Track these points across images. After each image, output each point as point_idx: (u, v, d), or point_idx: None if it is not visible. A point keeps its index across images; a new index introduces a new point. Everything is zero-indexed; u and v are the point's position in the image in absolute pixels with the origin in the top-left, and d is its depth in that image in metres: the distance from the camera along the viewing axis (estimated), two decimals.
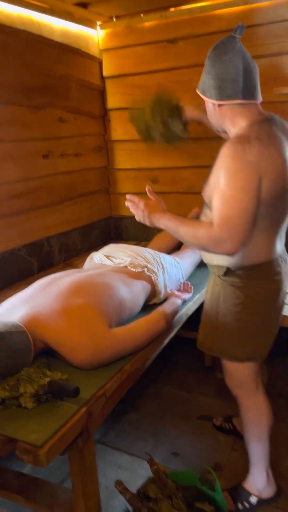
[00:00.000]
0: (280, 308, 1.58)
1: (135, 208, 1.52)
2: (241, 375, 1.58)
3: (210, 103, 1.45)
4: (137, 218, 1.54)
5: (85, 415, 1.22)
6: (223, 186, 1.29)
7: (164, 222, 1.47)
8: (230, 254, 1.32)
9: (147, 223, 1.52)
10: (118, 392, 1.41)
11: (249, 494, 1.66)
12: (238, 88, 1.37)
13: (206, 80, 1.42)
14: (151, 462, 1.57)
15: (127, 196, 1.54)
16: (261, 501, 1.66)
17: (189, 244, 1.51)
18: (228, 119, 1.43)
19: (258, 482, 1.67)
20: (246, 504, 1.65)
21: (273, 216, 1.40)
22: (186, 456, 1.96)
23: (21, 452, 1.09)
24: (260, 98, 1.43)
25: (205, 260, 1.60)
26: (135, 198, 1.53)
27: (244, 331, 1.51)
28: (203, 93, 1.45)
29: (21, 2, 2.16)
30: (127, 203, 1.54)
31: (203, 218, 1.51)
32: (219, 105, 1.42)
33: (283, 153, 1.33)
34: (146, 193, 1.59)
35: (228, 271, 1.48)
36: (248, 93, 1.39)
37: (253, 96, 1.40)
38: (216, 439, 2.06)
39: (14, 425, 1.17)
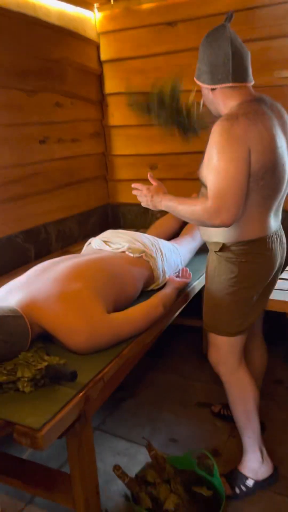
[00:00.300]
0: (270, 279, 1.63)
1: (139, 194, 1.65)
2: (227, 350, 1.63)
3: (205, 89, 1.52)
4: (142, 204, 1.65)
5: (82, 399, 1.21)
6: (214, 161, 1.37)
7: (166, 203, 1.57)
8: (226, 224, 1.38)
9: (151, 207, 1.63)
10: (116, 377, 1.40)
11: (245, 477, 1.67)
12: (228, 72, 1.44)
13: (200, 66, 1.50)
14: (149, 447, 1.57)
15: (133, 185, 1.66)
16: (257, 483, 1.67)
17: (189, 221, 1.58)
18: (221, 101, 1.50)
19: (253, 462, 1.68)
20: (243, 488, 1.66)
21: (264, 192, 1.44)
22: (183, 442, 1.96)
23: (19, 435, 1.09)
24: (251, 81, 1.49)
25: (204, 238, 1.67)
26: (139, 185, 1.65)
27: (236, 305, 1.58)
28: (198, 78, 1.52)
29: None
30: (134, 192, 1.66)
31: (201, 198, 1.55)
32: (212, 89, 1.49)
33: (271, 129, 1.40)
34: (146, 179, 1.67)
35: (223, 247, 1.54)
36: (238, 76, 1.45)
37: (243, 79, 1.46)
38: (214, 425, 2.06)
39: (12, 409, 1.16)
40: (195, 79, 1.54)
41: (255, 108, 1.40)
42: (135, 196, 1.70)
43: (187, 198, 1.55)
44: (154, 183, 1.66)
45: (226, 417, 2.07)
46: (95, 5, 2.65)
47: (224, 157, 1.35)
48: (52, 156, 2.48)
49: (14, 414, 1.14)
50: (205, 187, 1.45)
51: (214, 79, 1.46)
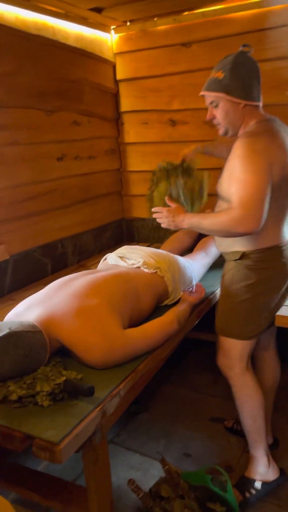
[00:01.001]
0: (282, 292, 1.69)
1: (160, 216, 1.72)
2: (236, 354, 1.69)
3: (232, 103, 1.57)
4: (163, 225, 1.72)
5: (99, 414, 1.24)
6: (238, 173, 1.46)
7: (188, 221, 1.63)
8: (251, 231, 1.45)
9: (173, 227, 1.69)
10: (131, 392, 1.43)
11: (253, 480, 1.72)
12: (259, 91, 1.59)
13: (232, 80, 1.54)
14: (163, 462, 1.58)
15: (153, 209, 1.75)
16: (265, 484, 1.72)
17: (213, 233, 1.65)
18: (244, 118, 1.60)
19: (260, 466, 1.74)
20: (253, 491, 1.71)
21: (279, 203, 1.53)
22: (197, 457, 1.97)
23: (38, 449, 1.12)
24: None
25: (221, 250, 1.75)
26: (159, 208, 1.73)
27: (251, 310, 1.65)
28: (228, 92, 1.55)
29: (37, 7, 2.19)
30: (154, 215, 1.74)
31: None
32: (244, 106, 1.57)
33: (285, 146, 1.52)
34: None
35: (243, 255, 1.62)
36: (260, 95, 1.61)
37: (261, 99, 1.62)
38: (227, 441, 2.07)
39: (31, 422, 1.19)
40: (219, 93, 1.56)
41: (271, 127, 1.54)
42: (149, 211, 1.77)
43: (206, 213, 1.65)
44: (172, 204, 1.74)
45: (239, 432, 2.08)
46: (112, 27, 2.73)
47: (248, 169, 1.44)
48: (69, 173, 2.55)
49: (33, 427, 1.17)
50: (225, 200, 1.55)
51: (249, 96, 1.56)
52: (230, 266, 1.69)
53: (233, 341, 1.69)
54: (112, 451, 2.01)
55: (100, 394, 1.29)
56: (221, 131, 1.69)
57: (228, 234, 1.55)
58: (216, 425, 2.18)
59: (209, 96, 1.60)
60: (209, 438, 2.09)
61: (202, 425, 2.19)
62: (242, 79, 1.54)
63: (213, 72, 1.62)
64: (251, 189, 1.43)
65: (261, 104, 1.62)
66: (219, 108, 1.60)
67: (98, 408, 1.25)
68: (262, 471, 1.73)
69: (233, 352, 1.70)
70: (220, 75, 1.56)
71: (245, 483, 1.73)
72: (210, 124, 2.20)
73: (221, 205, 1.63)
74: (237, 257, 1.63)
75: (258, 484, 1.72)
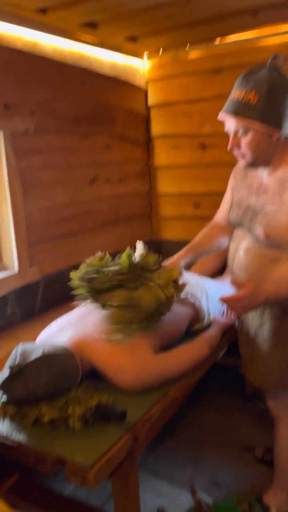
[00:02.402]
0: None
1: (235, 306, 1.39)
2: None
3: (265, 132, 1.35)
4: (241, 315, 1.50)
5: (130, 439, 1.24)
6: None
7: (275, 298, 1.39)
8: None
9: (254, 309, 1.48)
10: (162, 417, 1.42)
11: (269, 507, 1.69)
12: None
13: (268, 105, 1.31)
14: (193, 492, 1.55)
15: (222, 305, 1.47)
16: None
17: None
18: (280, 151, 1.41)
19: (279, 499, 1.70)
20: None
21: None
22: (226, 486, 1.92)
23: (70, 473, 1.12)
24: None
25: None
26: (228, 300, 1.40)
27: None
28: (265, 121, 1.32)
29: (75, 38, 2.29)
30: (226, 310, 1.49)
31: (256, 258, 1.48)
32: (279, 137, 1.36)
33: None
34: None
35: None
36: None
37: None
38: (257, 470, 2.01)
39: (62, 445, 1.20)
40: (253, 120, 1.33)
41: None
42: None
43: (279, 275, 1.39)
44: (240, 286, 1.39)
45: (270, 462, 2.01)
46: (145, 53, 2.81)
47: None
48: (101, 195, 2.60)
49: (65, 451, 1.17)
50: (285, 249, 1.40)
51: (286, 126, 1.34)
52: (277, 313, 1.50)
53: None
54: (140, 477, 1.97)
55: (131, 419, 1.29)
56: (244, 163, 1.44)
57: None
58: (246, 453, 2.12)
59: (237, 122, 1.35)
60: (239, 467, 2.03)
61: (231, 452, 2.13)
62: (280, 105, 1.31)
63: (239, 89, 1.35)
64: None
65: None
66: (249, 137, 1.36)
67: (129, 433, 1.24)
68: (279, 503, 1.70)
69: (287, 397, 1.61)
70: (254, 97, 1.30)
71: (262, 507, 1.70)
72: None
73: (275, 255, 1.43)
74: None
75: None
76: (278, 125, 1.33)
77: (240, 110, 1.33)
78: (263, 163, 1.45)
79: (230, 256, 1.64)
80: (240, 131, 1.37)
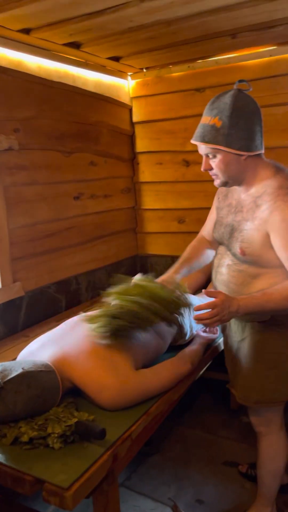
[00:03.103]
0: None
1: (210, 318, 1.37)
2: (272, 414, 1.63)
3: (233, 156, 1.40)
4: (213, 325, 1.44)
5: (110, 458, 1.23)
6: None
7: (245, 310, 1.39)
8: None
9: (227, 321, 1.47)
10: (143, 435, 1.41)
11: None
12: (262, 135, 1.43)
13: (232, 130, 1.37)
14: (175, 509, 1.54)
15: (194, 316, 1.42)
16: None
17: (282, 312, 1.44)
18: (251, 170, 1.45)
19: None
20: None
21: None
22: (210, 504, 1.91)
23: (48, 494, 1.11)
24: None
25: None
26: (202, 314, 1.39)
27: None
28: (229, 145, 1.38)
29: (59, 57, 2.32)
30: (198, 322, 1.43)
31: (235, 274, 1.52)
32: (247, 157, 1.41)
33: None
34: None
35: (271, 317, 1.49)
36: (263, 141, 1.45)
37: (263, 145, 1.46)
38: (241, 486, 2.00)
39: (41, 465, 1.18)
40: (217, 145, 1.39)
41: None
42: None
43: (264, 291, 1.40)
44: (215, 295, 1.39)
45: (254, 478, 2.01)
46: (129, 73, 2.86)
47: None
48: (86, 211, 2.61)
49: (44, 471, 1.16)
50: (251, 263, 1.45)
51: (252, 146, 1.39)
52: (257, 328, 1.53)
53: (277, 407, 1.59)
54: (123, 495, 1.96)
55: (111, 437, 1.28)
56: (218, 182, 1.51)
57: None
58: (230, 469, 2.11)
59: (206, 147, 1.41)
60: (223, 483, 2.02)
61: (215, 469, 2.12)
62: (244, 128, 1.36)
63: (206, 116, 1.41)
64: None
65: (263, 150, 1.46)
66: (218, 160, 1.42)
67: (109, 452, 1.24)
68: None
69: (270, 414, 1.62)
70: (218, 122, 1.36)
71: None
72: None
73: (243, 269, 1.48)
74: (266, 319, 1.49)
75: None
76: (243, 148, 1.39)
77: (207, 136, 1.40)
78: (237, 182, 1.51)
79: (213, 271, 1.68)
80: (210, 155, 1.44)
